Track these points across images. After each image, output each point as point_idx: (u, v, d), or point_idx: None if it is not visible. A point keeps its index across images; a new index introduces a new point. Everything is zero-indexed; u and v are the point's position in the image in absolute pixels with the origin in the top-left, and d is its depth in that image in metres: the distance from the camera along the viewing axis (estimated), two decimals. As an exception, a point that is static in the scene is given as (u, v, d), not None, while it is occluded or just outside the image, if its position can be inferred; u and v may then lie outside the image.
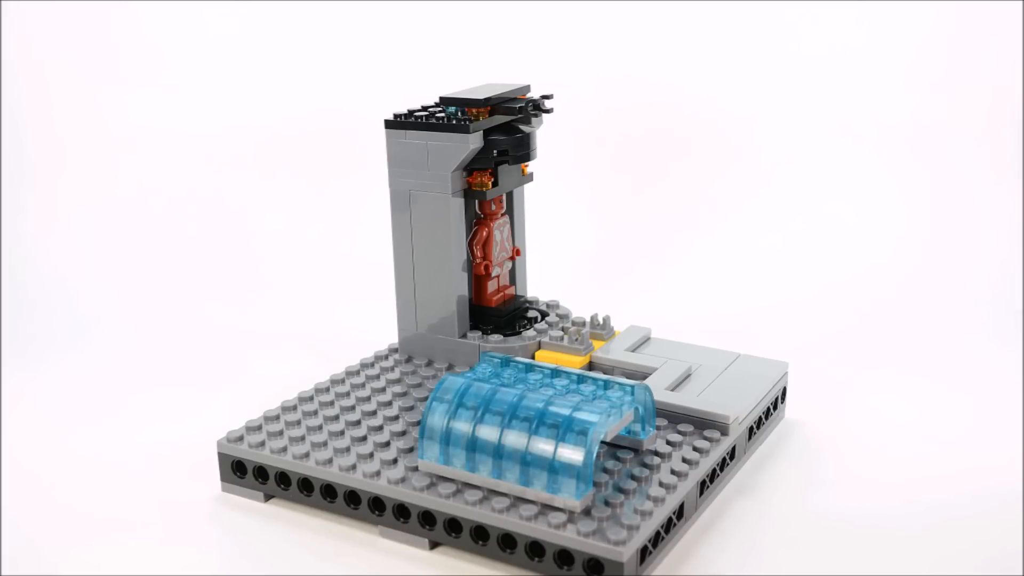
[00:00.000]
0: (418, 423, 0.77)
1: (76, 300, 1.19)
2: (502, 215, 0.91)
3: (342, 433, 0.76)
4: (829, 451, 0.82)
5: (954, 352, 1.00)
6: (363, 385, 0.84)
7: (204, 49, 1.45)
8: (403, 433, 0.76)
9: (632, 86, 1.41)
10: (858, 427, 0.86)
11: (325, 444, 0.75)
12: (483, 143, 0.84)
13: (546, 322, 0.91)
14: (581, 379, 0.74)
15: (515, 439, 0.68)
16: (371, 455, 0.73)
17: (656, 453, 0.73)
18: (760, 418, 0.82)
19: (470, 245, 0.89)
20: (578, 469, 0.66)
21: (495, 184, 0.87)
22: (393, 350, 0.92)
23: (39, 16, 1.42)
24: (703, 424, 0.77)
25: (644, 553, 0.65)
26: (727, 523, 0.73)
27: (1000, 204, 1.27)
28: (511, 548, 0.67)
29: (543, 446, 0.67)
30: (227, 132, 1.43)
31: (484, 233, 0.89)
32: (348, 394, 0.83)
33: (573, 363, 0.85)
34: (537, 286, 1.05)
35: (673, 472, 0.71)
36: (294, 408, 0.80)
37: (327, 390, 0.83)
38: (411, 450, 0.74)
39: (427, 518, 0.70)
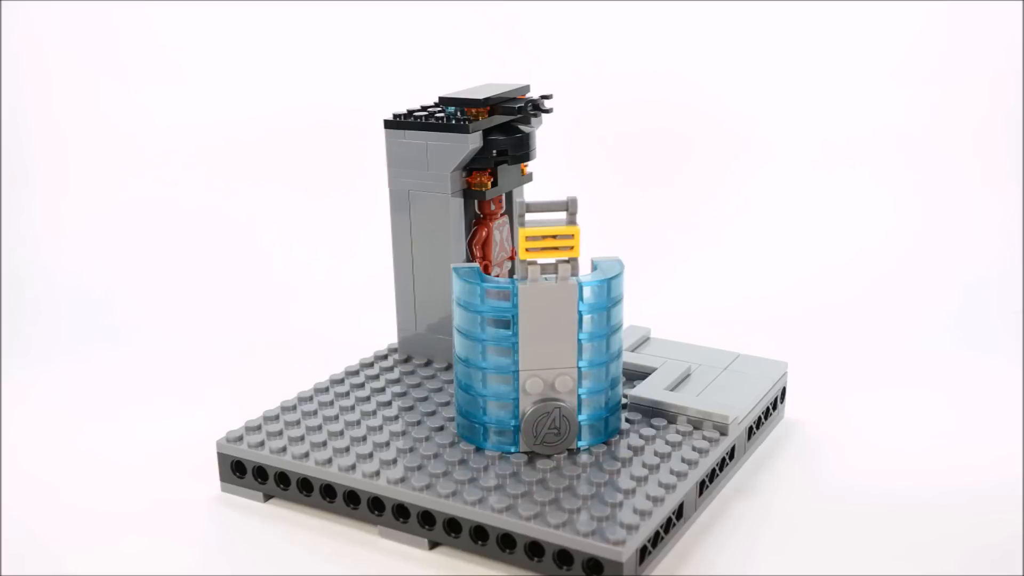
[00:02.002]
0: (418, 423, 0.77)
1: (76, 300, 1.19)
2: (502, 215, 0.91)
3: (341, 433, 0.76)
4: (829, 450, 0.82)
5: (954, 351, 1.00)
6: (362, 385, 0.84)
7: (203, 49, 1.45)
8: (403, 433, 0.76)
9: (632, 86, 1.41)
10: (858, 427, 0.86)
11: (324, 444, 0.75)
12: (483, 143, 0.84)
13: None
14: None
15: None
16: (370, 455, 0.73)
17: (656, 453, 0.73)
18: (760, 418, 0.82)
19: (469, 245, 0.89)
20: None
21: (495, 184, 0.87)
22: (393, 350, 0.92)
23: (41, 15, 1.42)
24: (703, 424, 0.77)
25: (644, 553, 0.65)
26: (727, 523, 0.73)
27: (1000, 204, 1.27)
28: (510, 548, 0.67)
29: None
30: (226, 132, 1.43)
31: (484, 233, 0.89)
32: (347, 394, 0.83)
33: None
34: (537, 286, 1.05)
35: (673, 472, 0.71)
36: (294, 408, 0.80)
37: (327, 390, 0.83)
38: (411, 450, 0.74)
39: (426, 518, 0.70)
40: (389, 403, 0.81)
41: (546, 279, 0.71)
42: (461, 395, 0.74)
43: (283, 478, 0.75)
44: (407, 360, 0.90)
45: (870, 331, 1.06)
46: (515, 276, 0.74)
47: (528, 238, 0.70)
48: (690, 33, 1.41)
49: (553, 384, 0.72)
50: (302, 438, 0.76)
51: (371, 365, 0.89)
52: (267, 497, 0.77)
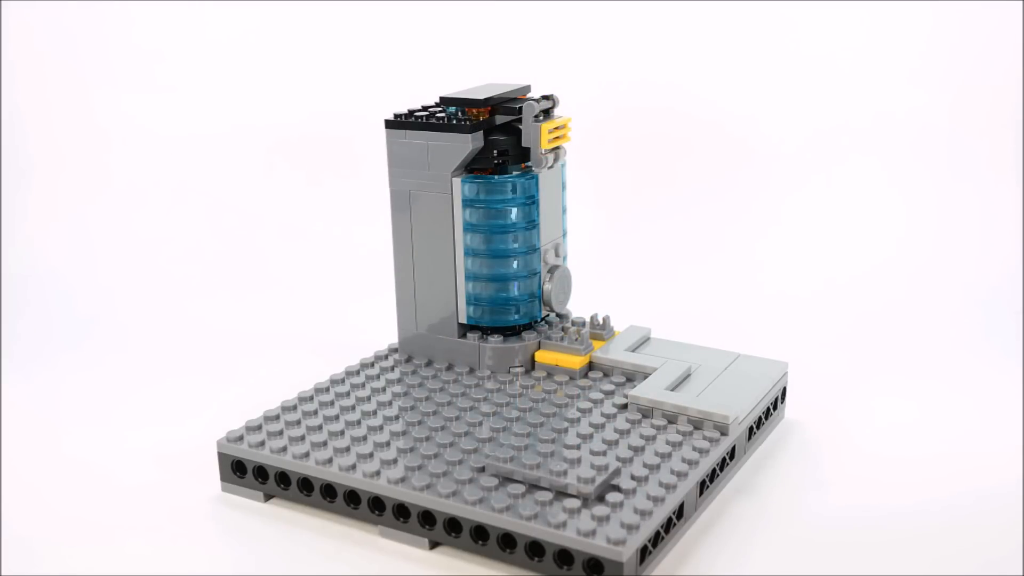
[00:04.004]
0: (419, 423, 0.77)
1: (75, 300, 1.19)
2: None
3: (342, 433, 0.76)
4: (828, 451, 0.82)
5: (954, 352, 1.00)
6: (363, 385, 0.84)
7: (203, 49, 1.45)
8: (403, 433, 0.76)
9: (632, 86, 1.41)
10: (857, 427, 0.86)
11: (325, 444, 0.75)
12: (483, 143, 0.84)
13: (546, 322, 0.91)
14: None
15: None
16: (371, 455, 0.73)
17: (656, 453, 0.73)
18: (760, 418, 0.82)
19: (470, 245, 0.89)
20: None
21: (495, 184, 0.87)
22: (393, 350, 0.92)
23: (39, 16, 1.42)
24: (703, 424, 0.77)
25: (644, 553, 0.65)
26: (727, 523, 0.73)
27: (1000, 204, 1.27)
28: (511, 548, 0.67)
29: None
30: (226, 132, 1.43)
31: (484, 233, 0.89)
32: (348, 394, 0.83)
33: (573, 363, 0.85)
34: (537, 286, 1.05)
35: (673, 472, 0.71)
36: (294, 408, 0.80)
37: (327, 390, 0.83)
38: (411, 450, 0.74)
39: (427, 518, 0.70)
40: (389, 403, 0.81)
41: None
42: (488, 287, 0.86)
43: (284, 478, 0.75)
44: (408, 360, 0.90)
45: (871, 331, 1.06)
46: (532, 166, 0.86)
47: (551, 129, 0.85)
48: (695, 34, 1.40)
49: (556, 251, 0.89)
50: (302, 438, 0.76)
51: (371, 365, 0.89)
52: (267, 497, 0.77)
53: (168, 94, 1.44)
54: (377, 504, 0.71)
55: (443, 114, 0.85)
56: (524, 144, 0.85)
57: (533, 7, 1.41)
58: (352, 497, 0.72)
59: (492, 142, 0.85)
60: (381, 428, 0.77)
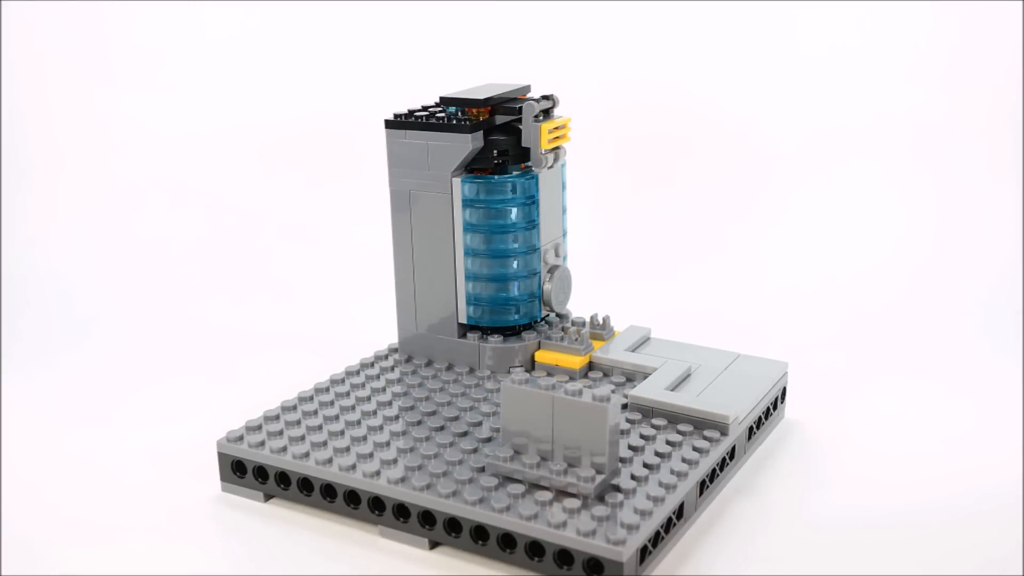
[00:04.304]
0: (418, 423, 0.77)
1: (75, 300, 1.19)
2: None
3: (342, 433, 0.76)
4: (828, 451, 0.82)
5: (954, 352, 1.00)
6: (363, 385, 0.84)
7: (203, 49, 1.45)
8: (403, 433, 0.76)
9: (632, 86, 1.41)
10: (857, 427, 0.86)
11: (325, 444, 0.75)
12: (483, 143, 0.84)
13: (546, 322, 0.91)
14: None
15: None
16: (371, 455, 0.73)
17: (656, 453, 0.73)
18: (760, 418, 0.82)
19: (470, 245, 0.89)
20: None
21: (495, 184, 0.87)
22: (393, 350, 0.92)
23: (39, 16, 1.43)
24: (703, 424, 0.77)
25: (644, 553, 0.65)
26: (727, 523, 0.73)
27: (1000, 204, 1.27)
28: (511, 548, 0.67)
29: None
30: (226, 132, 1.43)
31: (484, 233, 0.89)
32: (348, 394, 0.83)
33: (573, 363, 0.85)
34: (537, 286, 1.05)
35: (673, 472, 0.71)
36: (294, 408, 0.80)
37: (327, 390, 0.83)
38: (411, 450, 0.74)
39: (427, 518, 0.70)
40: (389, 403, 0.81)
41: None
42: (488, 287, 0.86)
43: (283, 478, 0.75)
44: (408, 360, 0.90)
45: (870, 331, 1.06)
46: (532, 166, 0.86)
47: (551, 129, 0.85)
48: (695, 33, 1.41)
49: (556, 251, 0.89)
50: (302, 438, 0.76)
51: (371, 365, 0.89)
52: (267, 497, 0.77)
53: (168, 94, 1.44)
54: (377, 504, 0.71)
55: (443, 114, 0.85)
56: (524, 144, 0.85)
57: (533, 7, 1.42)
58: (352, 497, 0.72)
59: (492, 142, 0.85)
60: (381, 428, 0.77)
